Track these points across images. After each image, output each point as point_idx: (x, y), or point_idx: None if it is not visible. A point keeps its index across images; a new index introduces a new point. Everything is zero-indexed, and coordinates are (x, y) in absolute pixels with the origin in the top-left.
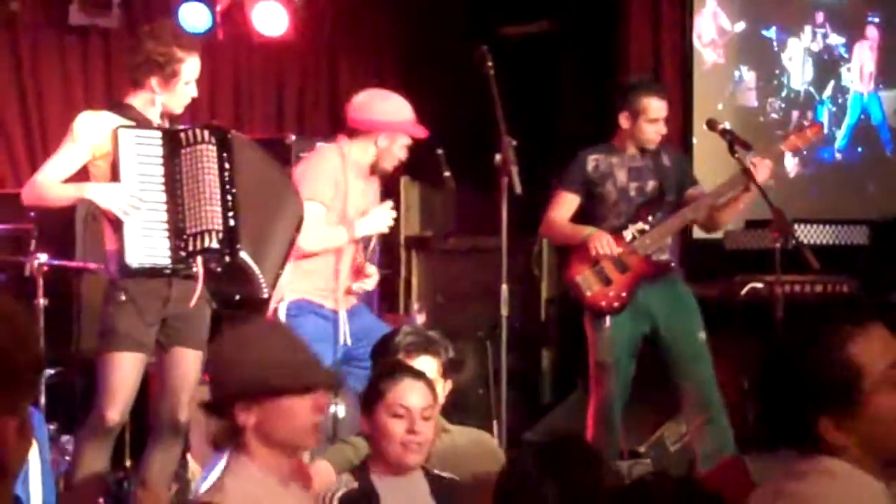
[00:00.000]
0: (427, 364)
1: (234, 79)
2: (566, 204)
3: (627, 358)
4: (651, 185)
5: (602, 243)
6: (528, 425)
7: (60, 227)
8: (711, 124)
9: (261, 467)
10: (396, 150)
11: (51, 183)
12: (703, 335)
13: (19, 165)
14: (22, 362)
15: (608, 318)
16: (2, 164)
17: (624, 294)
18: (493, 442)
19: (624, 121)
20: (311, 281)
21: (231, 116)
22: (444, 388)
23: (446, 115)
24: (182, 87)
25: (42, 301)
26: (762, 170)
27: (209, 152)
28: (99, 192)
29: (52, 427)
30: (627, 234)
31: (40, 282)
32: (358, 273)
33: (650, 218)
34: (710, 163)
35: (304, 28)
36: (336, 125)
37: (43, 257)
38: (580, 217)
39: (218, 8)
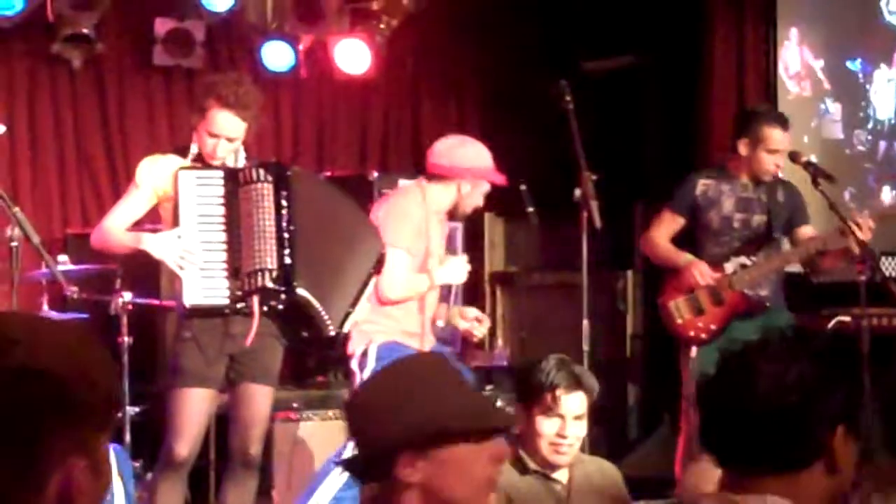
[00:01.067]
0: (580, 400)
1: (316, 116)
2: (669, 224)
3: None
4: (757, 219)
5: (699, 272)
6: (614, 460)
7: (145, 265)
8: (794, 156)
9: None
10: (477, 197)
11: (115, 229)
12: None
13: (105, 205)
14: (91, 397)
15: (694, 349)
16: (89, 203)
17: (714, 326)
18: (616, 471)
19: (742, 147)
20: (400, 324)
21: (314, 153)
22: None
23: (530, 151)
24: (205, 136)
25: (127, 339)
26: (865, 230)
27: (265, 190)
28: (153, 244)
29: (137, 464)
30: (728, 267)
31: (125, 320)
32: (464, 319)
33: (754, 254)
34: None
35: (386, 66)
36: (418, 162)
37: (127, 296)
38: (683, 241)
39: (301, 47)
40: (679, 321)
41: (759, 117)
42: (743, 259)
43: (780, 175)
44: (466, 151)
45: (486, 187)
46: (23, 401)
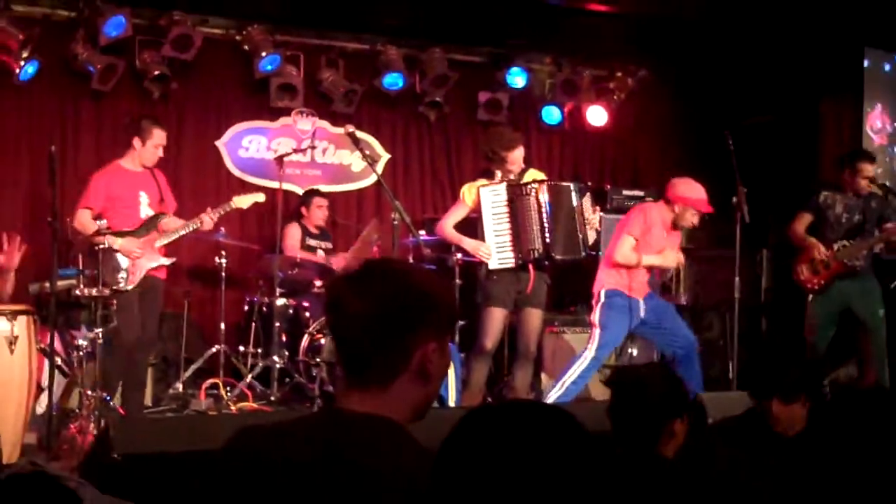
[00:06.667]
0: None
1: (573, 154)
2: (803, 219)
3: (826, 325)
4: (857, 218)
5: (817, 249)
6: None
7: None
8: (873, 181)
9: None
10: (689, 217)
11: (449, 231)
12: (881, 312)
13: (447, 198)
14: (445, 308)
15: (811, 296)
16: (437, 198)
17: (822, 282)
18: None
19: (847, 175)
20: (622, 279)
21: (572, 177)
22: None
23: (701, 174)
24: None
25: (458, 281)
26: None
27: (533, 198)
28: (467, 245)
29: (462, 355)
30: (836, 246)
31: (457, 270)
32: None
33: (852, 239)
34: None
35: (618, 122)
36: (634, 180)
37: (458, 255)
38: (811, 230)
39: (565, 110)
40: (802, 276)
41: (856, 155)
42: (844, 241)
43: (873, 190)
44: (684, 187)
45: (693, 212)
46: (409, 304)
